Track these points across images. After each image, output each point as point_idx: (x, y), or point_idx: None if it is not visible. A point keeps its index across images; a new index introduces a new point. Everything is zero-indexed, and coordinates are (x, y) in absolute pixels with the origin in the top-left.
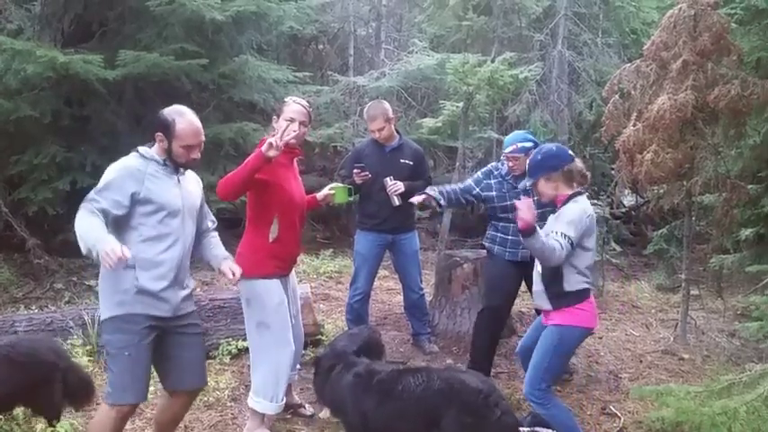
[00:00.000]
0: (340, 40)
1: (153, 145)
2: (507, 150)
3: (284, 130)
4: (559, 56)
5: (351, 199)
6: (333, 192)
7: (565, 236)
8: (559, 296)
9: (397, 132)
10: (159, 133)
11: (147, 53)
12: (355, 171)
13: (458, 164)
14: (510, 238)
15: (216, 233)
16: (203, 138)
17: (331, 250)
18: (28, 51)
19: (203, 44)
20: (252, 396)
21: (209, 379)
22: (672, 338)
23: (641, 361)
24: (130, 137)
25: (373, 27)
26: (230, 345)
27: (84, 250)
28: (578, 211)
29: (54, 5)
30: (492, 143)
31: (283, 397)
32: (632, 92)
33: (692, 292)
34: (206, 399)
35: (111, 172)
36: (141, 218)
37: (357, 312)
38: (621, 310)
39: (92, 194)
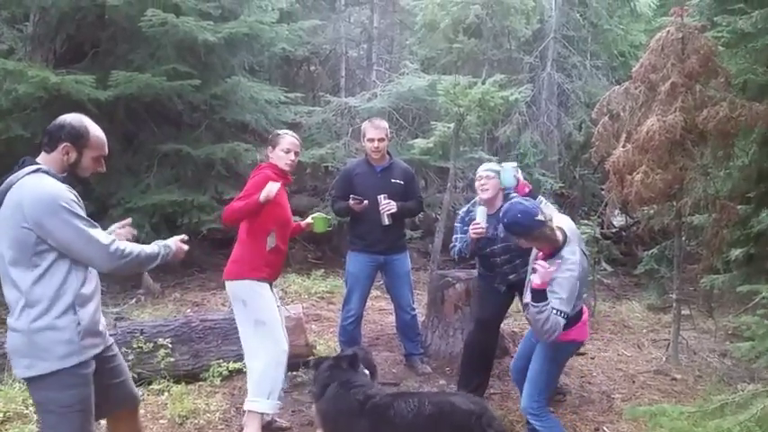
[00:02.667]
0: (332, 61)
1: (31, 164)
2: (482, 168)
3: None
4: (549, 78)
5: (330, 228)
6: (313, 221)
7: (561, 312)
8: None
9: (388, 153)
10: (67, 144)
11: (140, 74)
12: (353, 202)
13: (449, 184)
14: (497, 271)
15: None
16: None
17: (322, 270)
18: (20, 71)
19: (196, 65)
20: (249, 396)
21: (199, 401)
22: (664, 359)
23: (634, 381)
24: (122, 157)
25: (365, 49)
26: (221, 366)
27: (153, 264)
28: (572, 281)
29: (46, 26)
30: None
31: (279, 396)
32: (621, 113)
33: (683, 312)
34: (197, 421)
35: (59, 200)
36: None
37: (350, 334)
38: (613, 330)
39: (98, 234)
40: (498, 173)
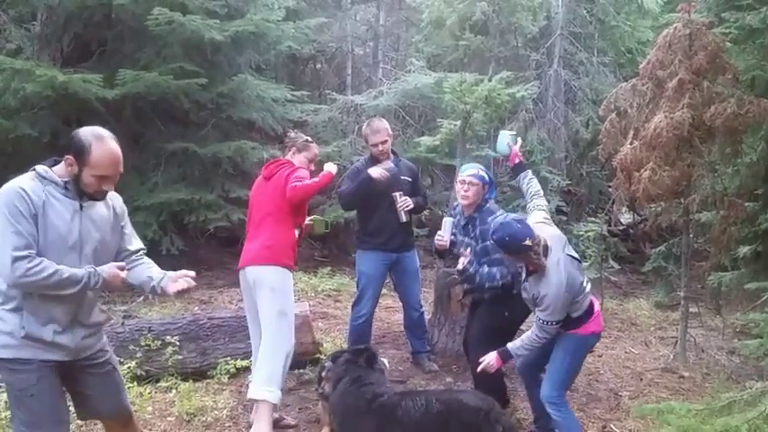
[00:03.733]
0: (338, 59)
1: (55, 164)
2: (467, 173)
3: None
4: (555, 75)
5: (328, 230)
6: (311, 223)
7: (548, 323)
8: (567, 322)
9: (393, 152)
10: (69, 156)
11: (147, 72)
12: (379, 171)
13: (456, 182)
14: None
15: (144, 257)
16: (120, 170)
17: (329, 268)
18: (27, 71)
19: (202, 64)
20: (261, 386)
21: (206, 398)
22: (671, 356)
23: (641, 379)
24: (129, 155)
25: (371, 47)
26: (228, 364)
27: (73, 290)
28: (554, 292)
29: (53, 25)
30: (489, 161)
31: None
32: (629, 110)
33: (690, 310)
34: (204, 419)
35: (2, 201)
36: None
37: (361, 334)
38: (621, 327)
39: (13, 244)
40: (483, 179)
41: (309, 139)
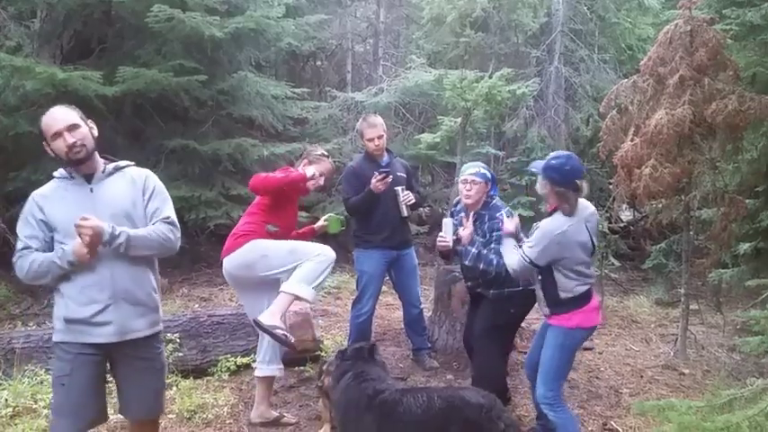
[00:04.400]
0: (338, 56)
1: None
2: (468, 172)
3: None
4: (556, 72)
5: (343, 228)
6: (326, 222)
7: (526, 258)
8: (556, 303)
9: (387, 149)
10: (43, 143)
11: (146, 69)
12: (378, 177)
13: (456, 179)
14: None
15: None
16: (67, 121)
17: None
18: (27, 68)
19: (202, 60)
20: (290, 281)
21: (207, 396)
22: (672, 353)
23: (642, 376)
24: (129, 153)
25: (371, 44)
26: (229, 361)
27: (51, 280)
28: (544, 231)
29: (53, 23)
30: (490, 158)
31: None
32: (629, 107)
33: (691, 307)
34: (205, 416)
35: (28, 200)
36: (57, 244)
37: (362, 331)
38: (621, 324)
39: (16, 248)
40: (484, 176)
41: (326, 153)
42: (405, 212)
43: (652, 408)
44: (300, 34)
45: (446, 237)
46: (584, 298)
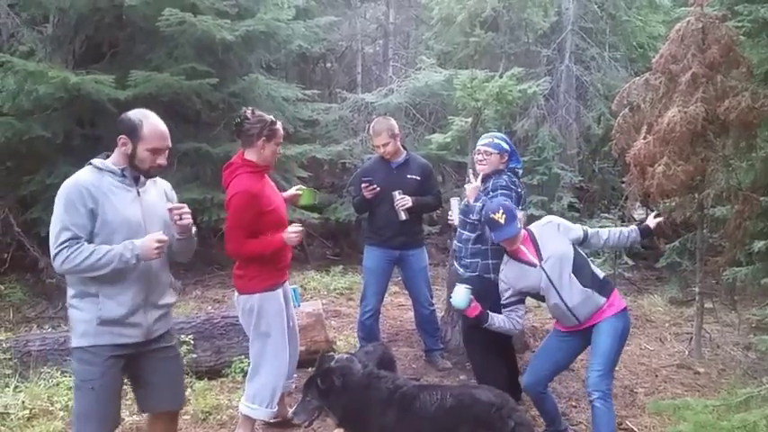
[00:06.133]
0: (348, 57)
1: (108, 156)
2: (481, 143)
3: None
4: (567, 70)
5: (315, 202)
6: (300, 192)
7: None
8: (602, 284)
9: (404, 148)
10: (123, 136)
11: (158, 73)
12: (363, 185)
13: (467, 179)
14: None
15: None
16: (169, 143)
17: (341, 267)
18: (40, 72)
19: (213, 64)
20: (245, 402)
21: (221, 396)
22: (687, 352)
23: (656, 375)
24: None
25: (381, 45)
26: (243, 362)
27: (109, 270)
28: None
29: (65, 27)
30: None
31: (276, 404)
32: (642, 105)
33: (705, 306)
34: (219, 417)
35: (62, 193)
36: (99, 239)
37: (369, 329)
38: (635, 324)
39: (58, 236)
40: (498, 146)
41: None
42: (402, 216)
43: (667, 407)
44: (310, 36)
45: (453, 215)
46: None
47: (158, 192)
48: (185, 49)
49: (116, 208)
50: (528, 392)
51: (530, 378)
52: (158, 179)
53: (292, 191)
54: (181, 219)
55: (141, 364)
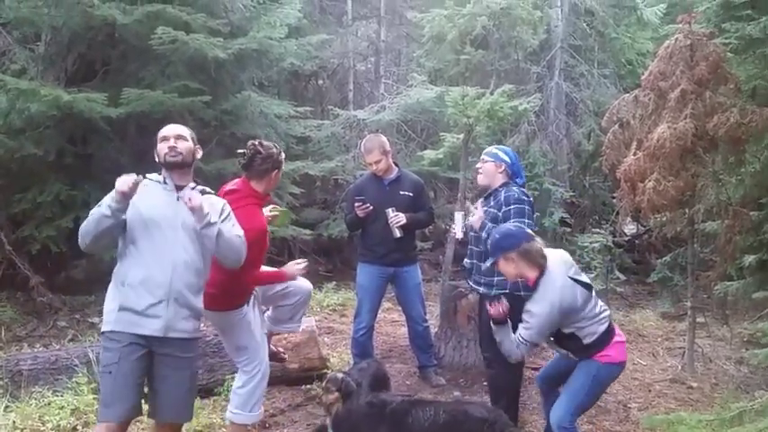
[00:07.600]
0: (339, 75)
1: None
2: (484, 152)
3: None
4: (557, 87)
5: (287, 222)
6: (277, 214)
7: (524, 342)
8: (585, 349)
9: (396, 165)
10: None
11: (150, 91)
12: (356, 204)
13: (459, 195)
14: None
15: None
16: (181, 133)
17: (334, 283)
18: (32, 90)
19: (206, 81)
20: (231, 409)
21: (214, 416)
22: (679, 367)
23: (650, 390)
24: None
25: (372, 62)
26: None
27: (103, 212)
28: (546, 308)
29: (58, 45)
30: None
31: (261, 406)
32: (631, 121)
33: (697, 320)
34: None
35: None
36: (133, 231)
37: (362, 346)
38: (627, 339)
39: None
40: (496, 156)
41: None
42: (397, 234)
43: (661, 422)
44: (302, 54)
45: (456, 230)
46: (607, 333)
47: (210, 205)
48: (178, 66)
49: (151, 202)
50: (539, 386)
51: (542, 372)
52: (210, 196)
53: (267, 212)
54: (191, 201)
55: (155, 367)
